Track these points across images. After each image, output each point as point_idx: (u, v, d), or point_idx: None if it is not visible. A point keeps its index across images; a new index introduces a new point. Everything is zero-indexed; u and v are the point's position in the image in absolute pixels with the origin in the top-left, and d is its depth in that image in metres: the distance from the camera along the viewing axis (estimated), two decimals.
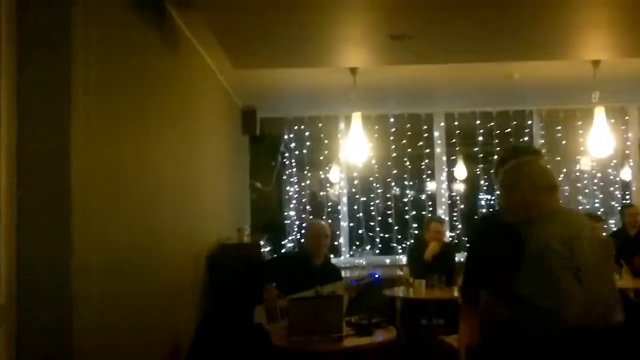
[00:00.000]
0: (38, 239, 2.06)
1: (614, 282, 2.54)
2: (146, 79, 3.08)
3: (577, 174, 7.45)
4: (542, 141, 7.45)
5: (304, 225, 7.38)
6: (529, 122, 7.47)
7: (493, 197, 7.54)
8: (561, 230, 2.40)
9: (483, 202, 7.60)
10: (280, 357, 3.66)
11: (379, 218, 7.50)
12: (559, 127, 7.41)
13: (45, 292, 2.06)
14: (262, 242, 5.49)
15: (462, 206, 7.66)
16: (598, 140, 5.37)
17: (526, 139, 7.45)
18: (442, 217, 7.41)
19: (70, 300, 2.07)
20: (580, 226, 2.46)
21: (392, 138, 7.37)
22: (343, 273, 5.07)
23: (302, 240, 4.73)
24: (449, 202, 7.67)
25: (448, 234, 7.26)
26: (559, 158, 7.41)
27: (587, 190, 7.46)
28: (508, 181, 2.60)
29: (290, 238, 7.47)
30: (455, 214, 7.71)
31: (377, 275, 4.92)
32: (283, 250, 7.33)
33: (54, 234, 2.07)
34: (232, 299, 4.40)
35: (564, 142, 7.40)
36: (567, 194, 7.42)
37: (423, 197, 7.63)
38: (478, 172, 7.48)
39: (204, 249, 4.53)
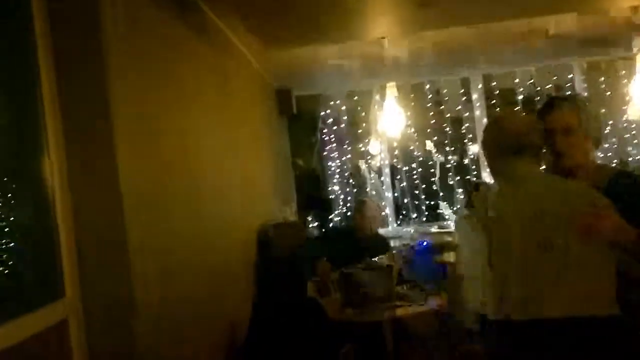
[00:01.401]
0: (94, 227, 2.13)
1: (605, 270, 2.22)
2: (180, 70, 3.12)
3: (625, 124, 7.25)
4: (586, 94, 7.27)
5: (348, 199, 7.43)
6: (570, 75, 7.29)
7: None
8: (521, 205, 2.25)
9: None
10: (335, 329, 3.73)
11: (423, 186, 7.47)
12: (602, 79, 7.21)
13: (106, 278, 2.14)
14: (309, 219, 5.55)
15: None
16: None
17: (568, 93, 7.28)
18: (486, 179, 7.35)
19: (130, 282, 2.14)
20: (555, 200, 2.24)
21: (429, 105, 7.30)
22: (391, 243, 5.11)
23: (350, 215, 4.76)
24: None
25: None
26: (604, 110, 7.22)
27: (635, 141, 7.26)
28: (481, 141, 2.47)
29: (336, 212, 7.51)
30: None
31: (425, 243, 4.94)
32: (332, 225, 7.39)
33: (108, 219, 2.14)
34: (284, 276, 4.48)
35: (608, 93, 7.21)
36: (615, 145, 7.24)
37: (466, 161, 7.56)
38: None
39: (254, 229, 4.61)
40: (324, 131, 7.51)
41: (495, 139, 2.39)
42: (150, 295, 2.28)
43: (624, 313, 2.16)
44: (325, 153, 7.63)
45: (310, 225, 5.86)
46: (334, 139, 7.49)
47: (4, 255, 2.32)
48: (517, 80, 7.23)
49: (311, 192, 7.56)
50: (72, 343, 2.07)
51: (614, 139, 7.22)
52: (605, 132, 7.26)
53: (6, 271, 2.27)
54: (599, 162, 2.67)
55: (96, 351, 2.12)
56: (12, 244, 2.32)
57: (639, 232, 2.10)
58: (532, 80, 7.21)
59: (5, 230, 2.34)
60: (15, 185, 2.32)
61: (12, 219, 2.35)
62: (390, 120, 5.49)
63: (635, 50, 5.23)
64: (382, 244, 4.74)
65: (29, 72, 2.08)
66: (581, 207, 2.16)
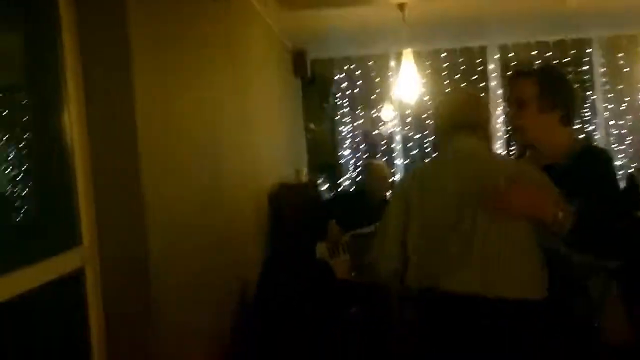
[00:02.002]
0: (111, 176, 2.15)
1: (533, 253, 2.13)
2: (198, 27, 3.10)
3: None
4: (603, 70, 7.20)
5: (359, 164, 7.44)
6: (588, 50, 7.21)
7: None
8: (444, 182, 2.19)
9: None
10: (343, 290, 3.78)
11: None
12: (621, 55, 7.12)
13: (123, 230, 2.16)
14: (319, 182, 5.57)
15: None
16: None
17: (586, 67, 7.22)
18: (497, 150, 7.34)
19: (145, 235, 2.17)
20: (479, 177, 2.13)
21: (444, 73, 7.25)
22: None
23: (360, 179, 4.79)
24: (506, 136, 7.55)
25: None
26: (621, 87, 7.16)
27: None
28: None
29: (346, 177, 7.53)
30: (512, 148, 7.60)
31: None
32: (341, 189, 7.43)
33: (125, 169, 2.15)
34: (295, 237, 4.53)
35: (626, 69, 7.13)
36: (630, 123, 7.20)
37: None
38: None
39: (265, 189, 4.63)
40: (337, 95, 7.49)
41: (435, 115, 2.39)
42: (164, 246, 2.31)
43: (569, 320, 2.12)
44: (337, 118, 7.62)
45: (321, 188, 5.90)
46: (347, 103, 7.47)
47: (23, 202, 2.35)
48: (534, 53, 7.16)
49: (322, 155, 7.58)
50: (87, 290, 2.10)
51: (629, 117, 7.17)
52: (621, 108, 7.21)
53: (25, 217, 2.30)
54: (576, 137, 2.43)
55: (111, 299, 2.15)
56: (32, 190, 2.34)
57: (555, 211, 1.97)
58: (549, 53, 7.13)
59: (25, 177, 2.37)
60: (35, 133, 2.34)
61: (31, 166, 2.37)
62: (406, 87, 5.46)
63: None
64: None
65: (50, 22, 2.08)
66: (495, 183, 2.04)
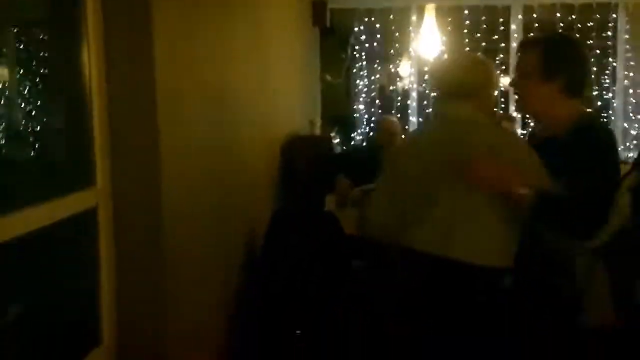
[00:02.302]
0: (127, 121, 2.16)
1: (502, 220, 2.16)
2: None
3: None
4: (627, 36, 7.06)
5: (373, 119, 7.42)
6: (614, 15, 7.06)
7: None
8: (431, 149, 2.23)
9: None
10: (350, 244, 3.82)
11: None
12: None
13: (136, 174, 2.18)
14: (332, 135, 5.57)
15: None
16: None
17: (609, 33, 7.08)
18: (514, 113, 7.28)
19: (159, 181, 2.19)
20: (462, 147, 2.14)
21: (465, 31, 7.13)
22: None
23: (372, 134, 4.79)
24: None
25: (520, 131, 7.13)
26: None
27: None
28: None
29: (359, 131, 7.51)
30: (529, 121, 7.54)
31: None
32: (353, 143, 7.42)
33: (141, 115, 2.16)
34: (305, 188, 4.55)
35: None
36: None
37: (495, 93, 7.44)
38: None
39: (278, 139, 4.64)
40: (355, 47, 7.40)
41: (431, 79, 2.41)
42: (176, 191, 2.34)
43: (556, 301, 2.15)
44: (354, 70, 7.55)
45: (334, 141, 5.91)
46: (364, 56, 7.39)
47: (39, 139, 2.37)
48: (558, 15, 7.02)
49: (336, 108, 7.55)
50: (100, 230, 2.14)
51: None
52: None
53: (43, 155, 2.33)
54: (582, 111, 2.35)
55: (122, 240, 2.19)
56: (48, 129, 2.36)
57: (519, 190, 2.02)
58: (573, 16, 6.99)
59: (43, 116, 2.39)
60: (52, 70, 2.35)
61: (49, 105, 2.39)
62: (426, 43, 5.40)
63: None
64: None
65: None
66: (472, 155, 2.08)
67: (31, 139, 2.38)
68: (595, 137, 2.21)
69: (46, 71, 2.45)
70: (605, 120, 6.97)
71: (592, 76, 6.82)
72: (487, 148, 2.10)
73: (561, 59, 2.28)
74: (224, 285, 3.18)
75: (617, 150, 2.30)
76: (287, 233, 3.65)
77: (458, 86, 2.27)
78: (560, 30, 6.98)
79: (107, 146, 2.15)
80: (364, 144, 7.27)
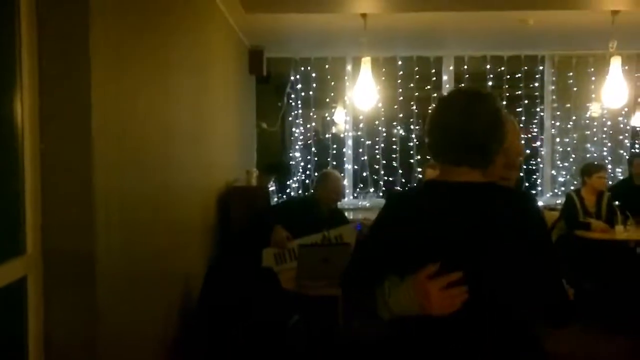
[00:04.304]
0: (60, 178, 2.06)
1: None
2: (157, 21, 2.99)
3: (587, 121, 7.38)
4: (553, 87, 7.36)
5: (309, 166, 7.40)
6: (541, 67, 7.36)
7: None
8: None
9: None
10: (287, 299, 3.71)
11: (384, 161, 7.48)
12: (571, 74, 7.29)
13: (69, 228, 2.06)
14: (269, 184, 5.49)
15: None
16: (613, 91, 5.28)
17: (536, 84, 7.36)
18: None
19: (93, 237, 2.09)
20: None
21: (399, 81, 7.27)
22: (346, 214, 5.11)
23: (315, 187, 4.71)
24: None
25: None
26: (569, 105, 7.34)
27: (595, 138, 7.41)
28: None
29: (295, 179, 7.47)
30: None
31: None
32: (292, 194, 7.36)
33: (76, 170, 2.07)
34: (241, 242, 4.44)
35: (575, 88, 7.30)
36: (575, 141, 7.39)
37: None
38: None
39: (214, 191, 4.53)
40: (291, 95, 7.41)
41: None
42: (112, 252, 2.23)
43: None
44: (290, 118, 7.55)
45: (270, 189, 5.83)
46: (300, 104, 7.40)
47: None
48: (488, 66, 7.26)
49: (271, 155, 7.49)
50: (29, 300, 2.00)
51: (574, 135, 7.35)
52: (568, 126, 7.39)
53: None
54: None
55: (54, 308, 2.06)
56: None
57: None
58: (502, 68, 7.25)
59: None
60: None
61: None
62: (362, 95, 5.43)
63: (611, 50, 5.25)
64: (340, 217, 4.73)
65: (8, 11, 1.95)
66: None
67: None
68: None
69: None
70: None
71: (521, 125, 7.04)
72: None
73: None
74: (161, 344, 3.03)
75: None
76: (223, 289, 3.53)
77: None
78: (490, 82, 7.22)
79: (38, 209, 2.03)
80: (301, 194, 7.23)
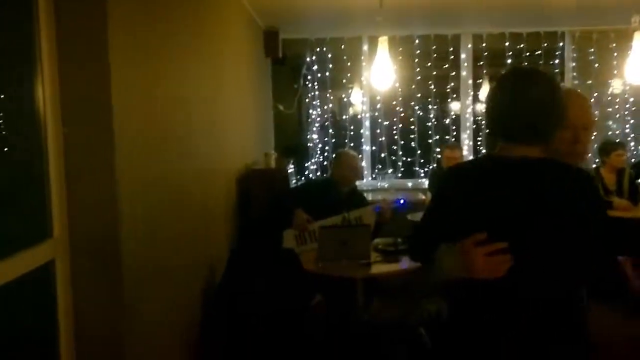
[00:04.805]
0: (84, 165, 2.07)
1: None
2: (171, 7, 2.97)
3: (609, 98, 7.26)
4: (573, 64, 7.24)
5: (326, 148, 7.37)
6: (561, 44, 7.24)
7: None
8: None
9: None
10: (309, 280, 3.72)
11: (402, 142, 7.43)
12: (592, 50, 7.16)
13: (94, 213, 2.08)
14: (288, 166, 5.48)
15: (487, 130, 7.52)
16: (636, 66, 5.16)
17: (557, 61, 7.25)
18: (465, 141, 7.35)
19: (117, 222, 2.10)
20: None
21: (416, 60, 7.20)
22: (365, 195, 5.09)
23: (332, 168, 4.68)
24: (474, 126, 7.56)
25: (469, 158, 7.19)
26: (590, 82, 7.22)
27: (617, 115, 7.29)
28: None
29: (313, 161, 7.45)
30: (479, 138, 7.62)
31: (402, 201, 4.92)
32: (310, 176, 7.35)
33: (98, 157, 2.08)
34: (261, 225, 4.44)
35: (596, 65, 7.18)
36: (596, 118, 7.27)
37: (447, 120, 7.53)
38: None
39: (234, 175, 4.53)
40: (307, 77, 7.36)
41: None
42: (135, 237, 2.23)
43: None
44: (307, 100, 7.51)
45: (289, 171, 5.82)
46: (316, 85, 7.36)
47: None
48: (507, 43, 7.15)
49: (288, 138, 7.47)
50: (57, 283, 2.02)
51: (596, 112, 7.24)
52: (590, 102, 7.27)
53: None
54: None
55: (81, 292, 2.08)
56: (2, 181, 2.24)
57: None
58: (522, 45, 7.14)
59: None
60: (5, 120, 2.22)
61: (3, 156, 2.26)
62: (379, 75, 5.37)
63: (633, 24, 5.12)
64: (360, 199, 4.70)
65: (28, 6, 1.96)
66: None
67: None
68: None
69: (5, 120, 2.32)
70: None
71: None
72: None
73: None
74: (185, 329, 3.05)
75: None
76: (245, 271, 3.54)
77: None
78: (509, 60, 7.12)
79: (63, 194, 2.04)
80: (320, 176, 7.20)
